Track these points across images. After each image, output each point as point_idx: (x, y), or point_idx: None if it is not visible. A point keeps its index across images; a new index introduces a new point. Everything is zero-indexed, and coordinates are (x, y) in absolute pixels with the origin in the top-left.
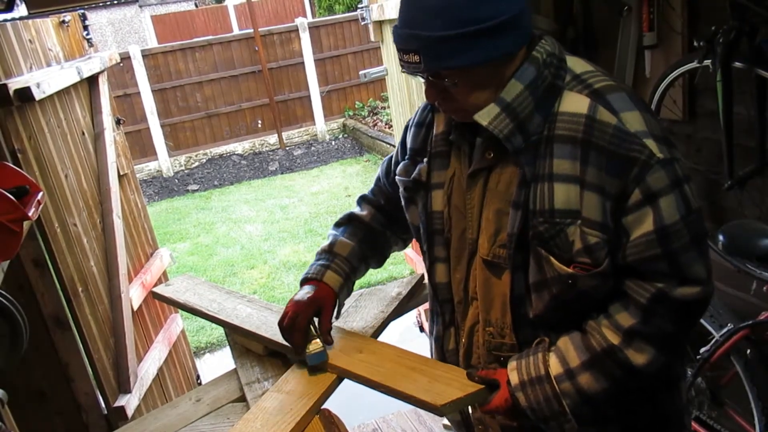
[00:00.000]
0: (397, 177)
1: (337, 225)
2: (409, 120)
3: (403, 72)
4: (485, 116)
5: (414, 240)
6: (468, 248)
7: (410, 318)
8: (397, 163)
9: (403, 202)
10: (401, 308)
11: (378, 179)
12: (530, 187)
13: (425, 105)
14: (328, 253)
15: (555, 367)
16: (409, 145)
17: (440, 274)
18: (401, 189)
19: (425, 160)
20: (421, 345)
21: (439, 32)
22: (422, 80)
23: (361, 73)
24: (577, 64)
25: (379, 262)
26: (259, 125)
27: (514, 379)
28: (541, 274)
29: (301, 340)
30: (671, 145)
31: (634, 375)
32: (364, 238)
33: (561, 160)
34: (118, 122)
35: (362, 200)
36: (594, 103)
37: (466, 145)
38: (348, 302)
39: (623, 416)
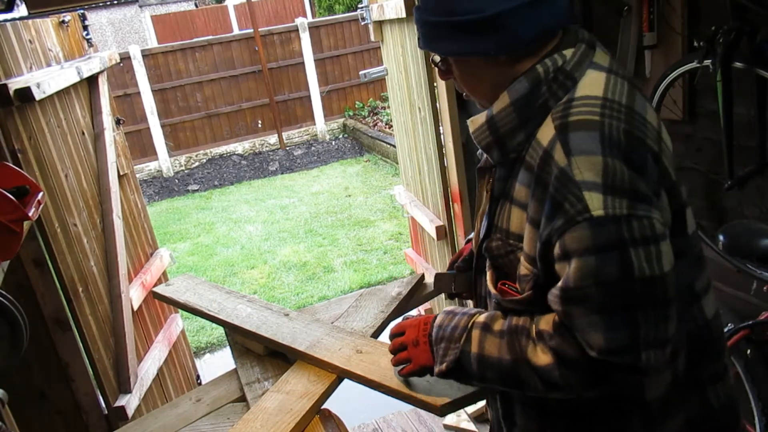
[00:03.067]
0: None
1: None
2: None
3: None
4: (474, 123)
5: (412, 231)
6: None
7: None
8: None
9: None
10: (401, 308)
11: None
12: (498, 202)
13: None
14: None
15: (481, 317)
16: None
17: None
18: None
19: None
20: None
21: (425, 16)
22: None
23: (361, 73)
24: (588, 86)
25: None
26: (260, 125)
27: (449, 307)
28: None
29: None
30: (642, 199)
31: (531, 368)
32: None
33: (521, 185)
34: (118, 122)
35: None
36: (555, 137)
37: None
38: (348, 302)
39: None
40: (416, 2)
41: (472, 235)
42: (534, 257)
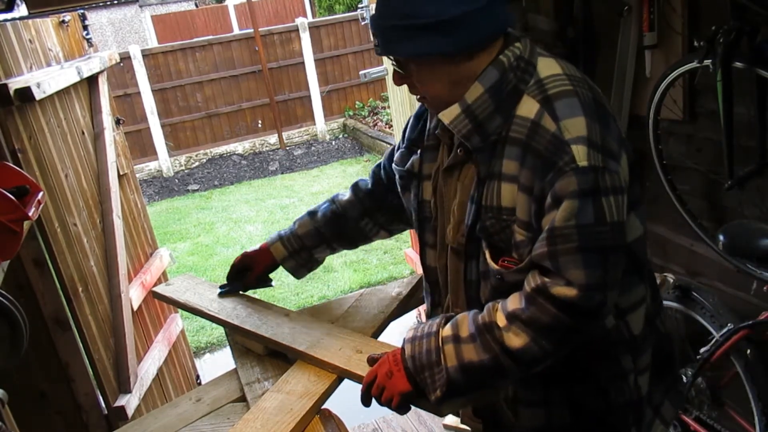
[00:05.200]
0: (393, 165)
1: (326, 201)
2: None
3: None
4: (448, 115)
5: (413, 232)
6: (446, 236)
7: (410, 318)
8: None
9: (399, 189)
10: (401, 308)
11: (380, 164)
12: (484, 184)
13: None
14: (292, 224)
15: (446, 330)
16: (407, 135)
17: (430, 258)
18: (397, 177)
19: (419, 151)
20: None
21: (384, 21)
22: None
23: (361, 73)
24: (546, 68)
25: (348, 246)
26: (260, 125)
27: (408, 334)
28: (485, 265)
29: (230, 276)
30: (612, 156)
31: (510, 356)
32: (330, 223)
33: (509, 160)
34: (118, 122)
35: (353, 186)
36: (542, 109)
37: (448, 140)
38: (348, 302)
39: (569, 402)
40: (371, 12)
41: (272, 237)
42: (529, 222)
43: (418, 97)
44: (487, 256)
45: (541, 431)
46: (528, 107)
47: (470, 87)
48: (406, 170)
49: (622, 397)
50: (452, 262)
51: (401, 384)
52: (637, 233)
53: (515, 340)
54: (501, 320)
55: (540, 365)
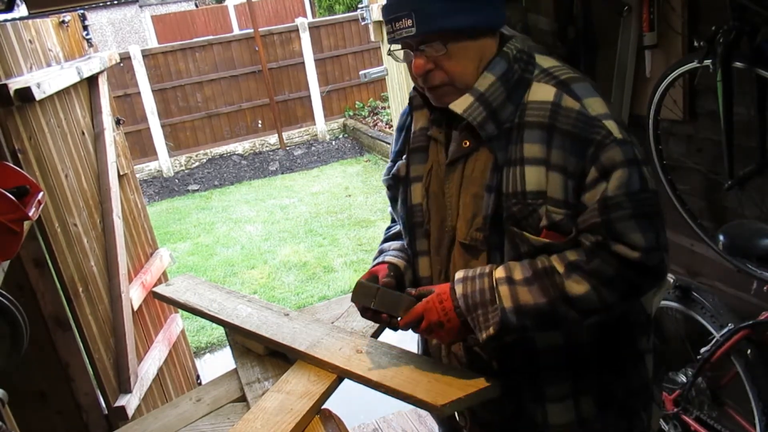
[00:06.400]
0: (382, 179)
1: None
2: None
3: (390, 53)
4: (460, 105)
5: None
6: (447, 236)
7: None
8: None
9: (389, 203)
10: None
11: None
12: (503, 172)
13: (404, 110)
14: (379, 254)
15: (499, 272)
16: (393, 149)
17: (423, 268)
18: (386, 190)
19: (404, 156)
20: None
21: None
22: (410, 56)
23: (361, 73)
24: (545, 61)
25: None
26: (260, 125)
27: (459, 275)
28: (515, 252)
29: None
30: (629, 131)
31: (568, 302)
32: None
33: (531, 144)
34: (118, 122)
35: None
36: (560, 91)
37: (443, 138)
38: (348, 302)
39: (596, 390)
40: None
41: (385, 257)
42: (565, 200)
43: (431, 85)
44: (528, 236)
45: (569, 428)
46: (543, 92)
47: (479, 77)
48: (392, 177)
49: (639, 380)
50: (463, 259)
51: (455, 331)
52: None
53: (576, 287)
54: (560, 267)
55: (594, 317)
